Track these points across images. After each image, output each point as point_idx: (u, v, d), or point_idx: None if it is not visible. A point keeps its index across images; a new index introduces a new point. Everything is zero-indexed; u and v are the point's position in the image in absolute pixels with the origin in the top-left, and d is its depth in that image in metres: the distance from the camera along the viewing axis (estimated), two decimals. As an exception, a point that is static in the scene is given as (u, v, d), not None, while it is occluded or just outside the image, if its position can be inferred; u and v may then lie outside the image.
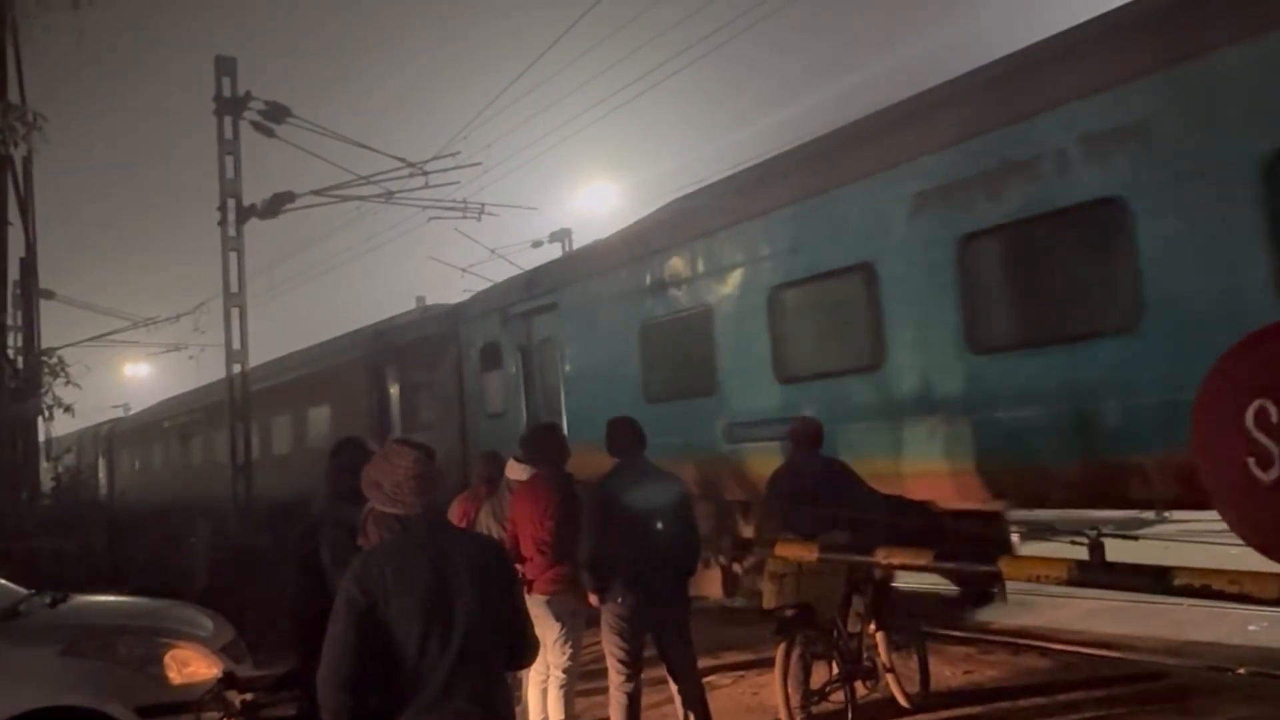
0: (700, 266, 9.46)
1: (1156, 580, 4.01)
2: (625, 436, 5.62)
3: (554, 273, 12.38)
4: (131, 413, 33.28)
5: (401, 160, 16.70)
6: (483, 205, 18.24)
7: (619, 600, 5.33)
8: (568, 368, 11.37)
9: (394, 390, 15.73)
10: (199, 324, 22.89)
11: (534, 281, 12.58)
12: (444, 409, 14.44)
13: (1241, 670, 6.38)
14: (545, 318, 11.88)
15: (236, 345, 15.68)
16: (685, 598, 5.55)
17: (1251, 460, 3.53)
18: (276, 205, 16.01)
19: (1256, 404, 3.51)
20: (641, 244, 10.39)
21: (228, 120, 15.31)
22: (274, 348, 22.49)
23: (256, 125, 15.43)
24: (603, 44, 16.50)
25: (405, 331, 16.09)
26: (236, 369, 15.81)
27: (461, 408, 13.91)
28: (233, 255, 15.53)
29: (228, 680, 4.37)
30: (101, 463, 32.31)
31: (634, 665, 5.39)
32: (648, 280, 10.09)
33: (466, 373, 13.88)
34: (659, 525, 5.33)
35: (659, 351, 9.89)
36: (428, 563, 3.01)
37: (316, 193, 16.64)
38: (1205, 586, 3.86)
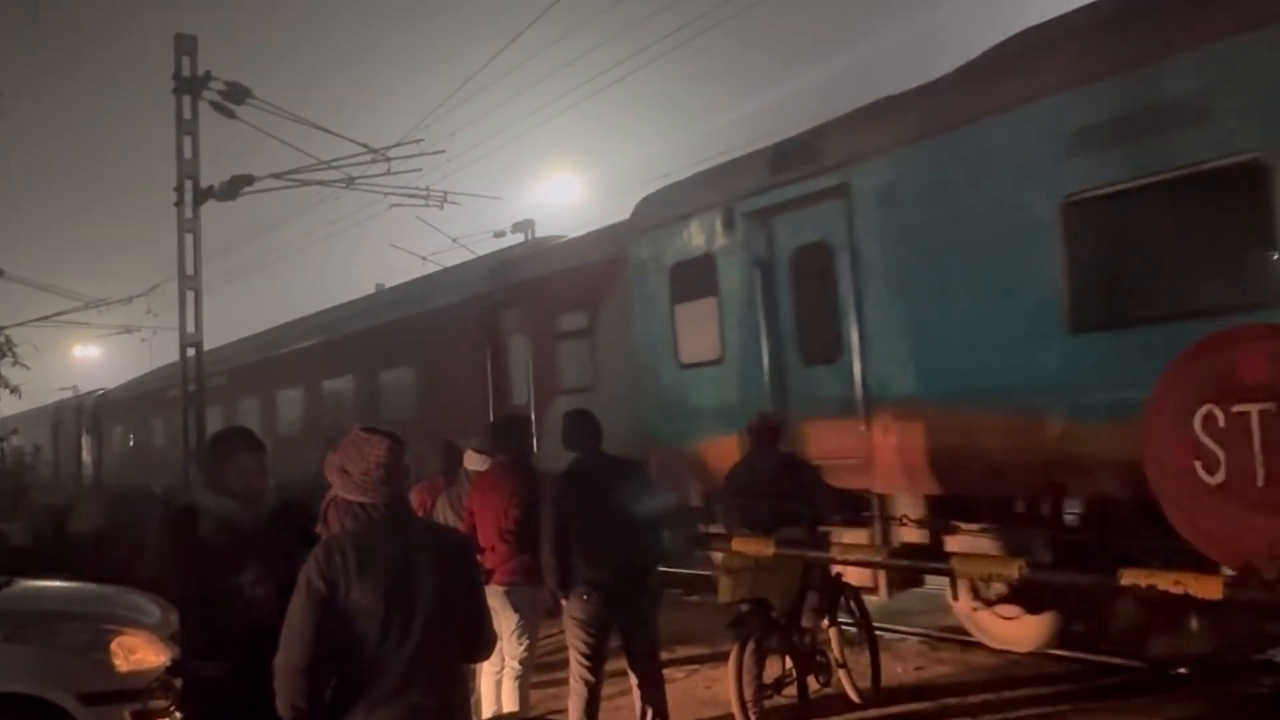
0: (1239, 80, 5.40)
1: (1103, 580, 4.09)
2: (582, 430, 5.52)
3: (842, 137, 7.79)
4: (123, 382, 29.05)
5: (364, 146, 16.50)
6: (445, 193, 18.09)
7: (582, 596, 5.28)
8: (869, 284, 7.34)
9: (520, 343, 12.18)
10: (151, 306, 22.49)
11: (791, 158, 8.23)
12: (604, 363, 10.68)
13: (1182, 669, 6.52)
14: (817, 211, 7.83)
15: (191, 329, 15.42)
16: (651, 592, 5.48)
17: (1199, 464, 3.62)
18: (235, 188, 15.74)
19: (1204, 410, 3.60)
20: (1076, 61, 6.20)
21: (186, 100, 15.04)
22: (229, 333, 21.94)
23: (216, 106, 15.16)
24: (570, 35, 16.48)
25: (536, 262, 12.55)
26: (191, 353, 15.55)
27: (636, 358, 9.77)
28: (189, 237, 15.27)
29: (175, 668, 4.31)
30: (86, 439, 29.64)
31: (596, 659, 5.34)
32: (1086, 122, 5.99)
33: (643, 309, 9.59)
34: (624, 520, 5.24)
35: (1112, 245, 6.00)
36: (391, 553, 2.99)
37: (276, 176, 16.40)
38: (1151, 587, 3.93)
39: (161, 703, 4.28)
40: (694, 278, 8.93)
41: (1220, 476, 3.58)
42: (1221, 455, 3.58)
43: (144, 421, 24.69)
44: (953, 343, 6.71)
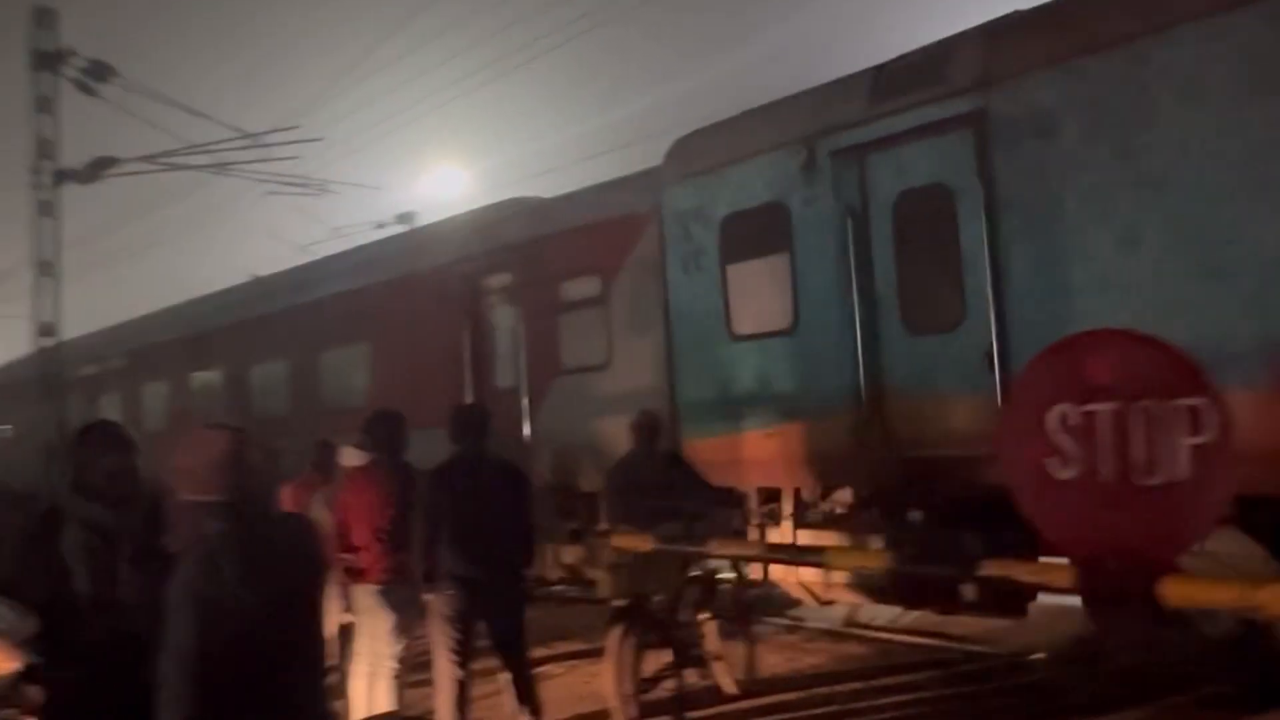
0: None
1: (965, 569, 4.28)
2: (467, 422, 5.51)
3: (977, 52, 6.41)
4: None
5: (238, 130, 15.97)
6: (324, 182, 17.65)
7: (448, 591, 5.26)
8: (1014, 235, 6.02)
9: (509, 315, 10.18)
10: (1, 293, 21.23)
11: (899, 81, 6.74)
12: (619, 338, 8.93)
13: (1039, 655, 6.86)
14: (935, 145, 6.42)
15: (48, 317, 14.63)
16: (519, 591, 5.50)
17: (1051, 461, 3.80)
18: (97, 170, 15.03)
19: (1057, 409, 3.79)
20: None
21: (45, 76, 14.26)
22: (92, 322, 20.81)
23: (78, 83, 14.44)
24: (453, 27, 16.24)
25: (531, 222, 10.41)
26: (49, 343, 14.75)
27: (668, 329, 8.21)
28: (46, 221, 14.48)
29: (29, 674, 4.08)
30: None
31: (461, 654, 5.33)
32: None
33: (679, 271, 8.07)
34: (495, 518, 5.26)
35: None
36: (260, 550, 2.91)
37: (143, 159, 15.71)
38: (1009, 576, 4.13)
39: (12, 712, 4.05)
40: (756, 231, 7.43)
41: (1071, 472, 3.77)
42: (1072, 452, 3.78)
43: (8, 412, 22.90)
44: (1151, 303, 5.48)
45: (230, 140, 15.98)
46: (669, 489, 6.40)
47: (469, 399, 9.77)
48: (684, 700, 5.73)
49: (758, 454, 7.22)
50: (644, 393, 8.16)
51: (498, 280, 10.25)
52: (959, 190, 6.27)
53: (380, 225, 19.27)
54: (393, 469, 5.68)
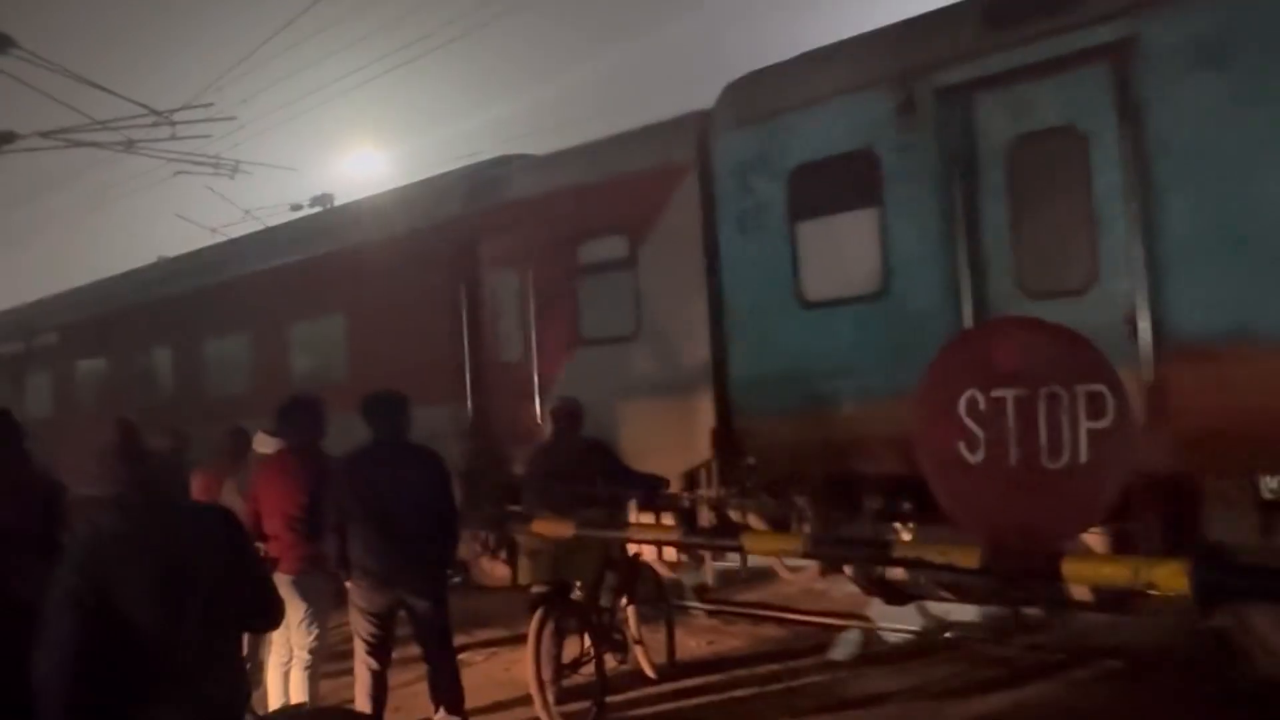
0: None
1: (877, 552, 4.38)
2: (382, 408, 5.38)
3: None
4: None
5: (145, 107, 15.39)
6: (237, 162, 17.12)
7: (362, 582, 5.17)
8: (1171, 184, 5.25)
9: (514, 281, 9.05)
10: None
11: (1022, 8, 5.92)
12: (650, 305, 7.93)
13: (948, 634, 7.07)
14: (1065, 81, 5.64)
15: (-61, 299, 13.95)
16: (438, 583, 5.35)
17: (962, 444, 3.92)
18: (-6, 145, 14.38)
19: (967, 394, 3.90)
20: None
21: (-65, 46, 13.56)
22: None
23: (-29, 55, 13.76)
24: (368, 6, 15.92)
25: (542, 175, 9.23)
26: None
27: (714, 296, 7.39)
28: (-62, 199, 13.80)
29: None
30: None
31: (377, 644, 5.25)
32: None
33: (734, 229, 7.15)
34: (409, 507, 5.13)
35: None
36: (152, 541, 2.83)
37: (44, 135, 15.06)
38: (919, 558, 4.25)
39: None
40: (836, 183, 6.57)
41: (980, 456, 3.89)
42: (981, 436, 3.90)
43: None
44: None
45: (138, 117, 15.41)
46: (590, 475, 6.40)
47: (467, 374, 9.22)
48: (604, 685, 5.75)
49: (834, 434, 6.43)
50: (680, 365, 7.58)
51: (500, 242, 9.10)
52: (1094, 133, 5.48)
53: (296, 207, 18.80)
54: (305, 456, 5.57)
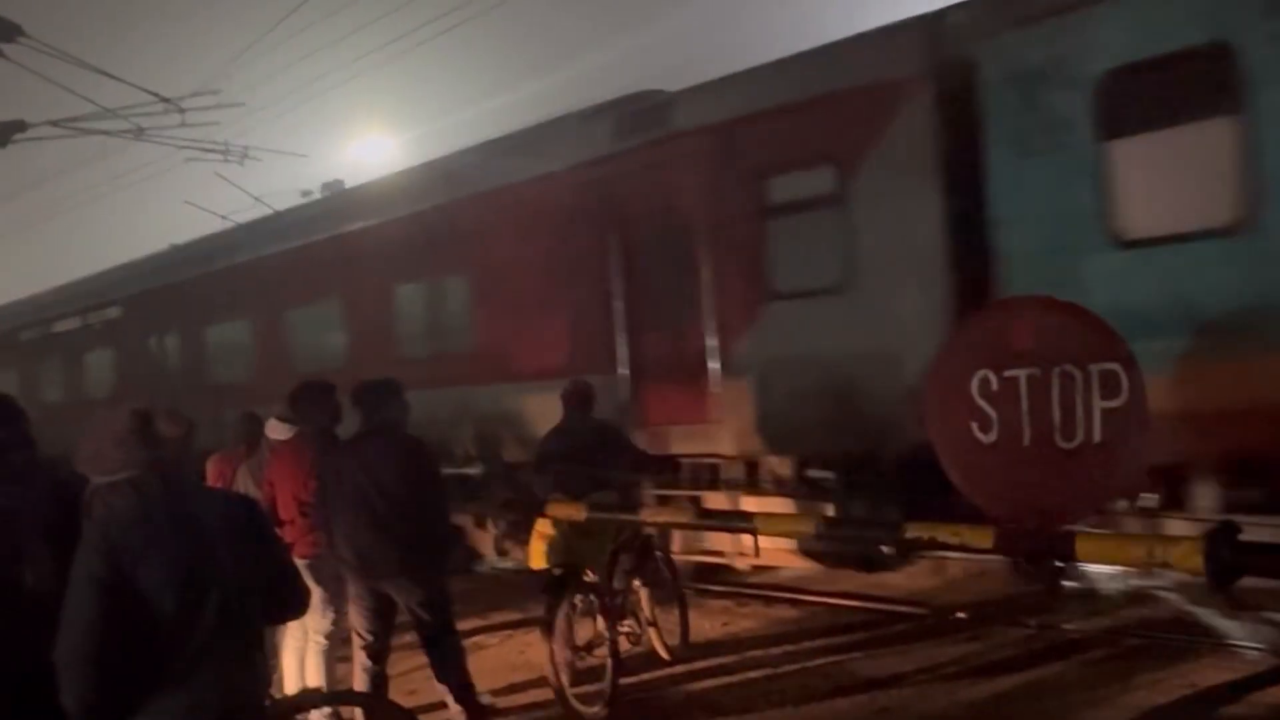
0: None
1: (890, 533, 4.37)
2: (372, 398, 5.32)
3: None
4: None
5: (154, 94, 15.40)
6: (246, 149, 17.14)
7: (344, 569, 5.17)
8: None
9: (684, 227, 7.77)
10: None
11: None
12: (875, 249, 6.70)
13: (962, 614, 7.07)
14: None
15: (-46, 289, 14.02)
16: (424, 570, 5.22)
17: (974, 424, 3.90)
18: (4, 134, 14.42)
19: (980, 374, 3.88)
20: None
21: (-56, 35, 13.58)
22: (3, 293, 19.84)
23: (-19, 44, 13.78)
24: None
25: (726, 98, 7.72)
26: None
27: (974, 236, 6.20)
28: (-50, 188, 13.85)
29: None
30: None
31: (374, 634, 5.22)
32: None
33: (1010, 152, 6.05)
34: (389, 498, 5.06)
35: None
36: (173, 525, 2.84)
37: (54, 123, 15.09)
38: (932, 539, 4.23)
39: None
40: (1171, 89, 5.47)
41: (993, 436, 3.87)
42: (994, 416, 3.88)
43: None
44: None
45: (147, 105, 15.43)
46: (602, 458, 6.41)
47: (622, 339, 8.06)
48: (619, 666, 5.77)
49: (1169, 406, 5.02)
50: (909, 324, 6.37)
51: (664, 182, 7.81)
52: None
53: (306, 193, 18.84)
54: (318, 441, 5.58)
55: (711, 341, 7.50)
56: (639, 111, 8.39)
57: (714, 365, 7.51)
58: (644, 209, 7.97)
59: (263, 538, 3.15)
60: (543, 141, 9.33)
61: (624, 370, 8.11)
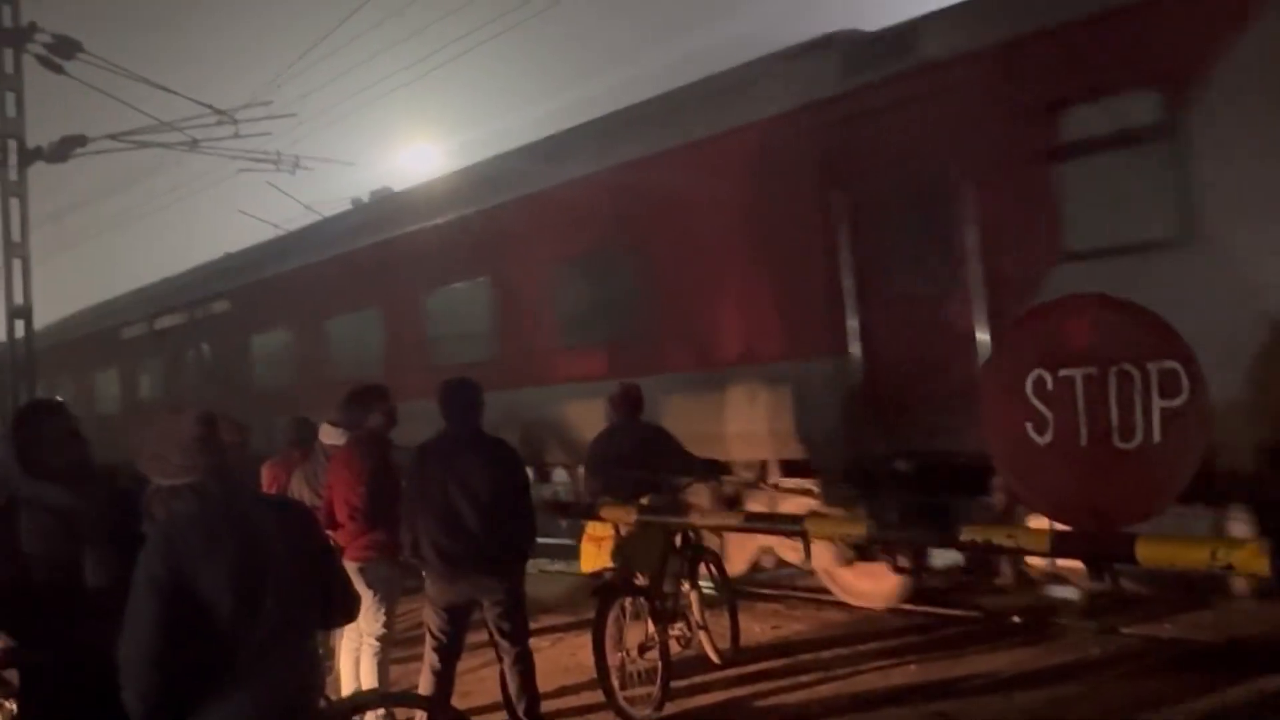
0: None
1: (944, 535, 4.32)
2: (457, 400, 5.31)
3: None
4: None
5: (208, 107, 15.75)
6: (297, 158, 17.45)
7: (432, 575, 5.15)
8: None
9: (931, 179, 6.53)
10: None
11: None
12: (1233, 191, 5.39)
13: (1016, 618, 6.96)
14: None
15: (19, 300, 14.43)
16: (511, 577, 5.22)
17: (1029, 425, 3.85)
18: (66, 149, 14.78)
19: (1035, 374, 3.83)
20: None
21: (8, 53, 13.99)
22: (64, 304, 20.37)
23: (42, 60, 14.17)
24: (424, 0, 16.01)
25: (985, 20, 6.47)
26: (19, 327, 14.55)
27: None
28: (14, 201, 14.25)
29: (7, 657, 4.07)
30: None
31: (448, 639, 5.20)
32: None
33: None
34: (481, 500, 5.05)
35: None
36: (231, 530, 2.90)
37: (112, 137, 15.48)
38: (987, 541, 4.19)
39: None
40: None
41: (1048, 437, 3.82)
42: (1050, 417, 3.83)
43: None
44: None
45: (201, 117, 15.78)
46: (652, 461, 6.41)
47: (852, 313, 6.87)
48: (668, 670, 5.77)
49: None
50: None
51: (907, 125, 6.55)
52: None
53: (355, 201, 19.13)
54: (370, 445, 5.65)
55: (979, 315, 6.17)
56: (876, 42, 7.05)
57: (982, 338, 6.15)
58: (883, 158, 6.71)
59: (317, 544, 3.21)
60: (733, 91, 7.96)
61: (855, 350, 6.88)
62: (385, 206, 12.60)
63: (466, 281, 10.02)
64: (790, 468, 7.48)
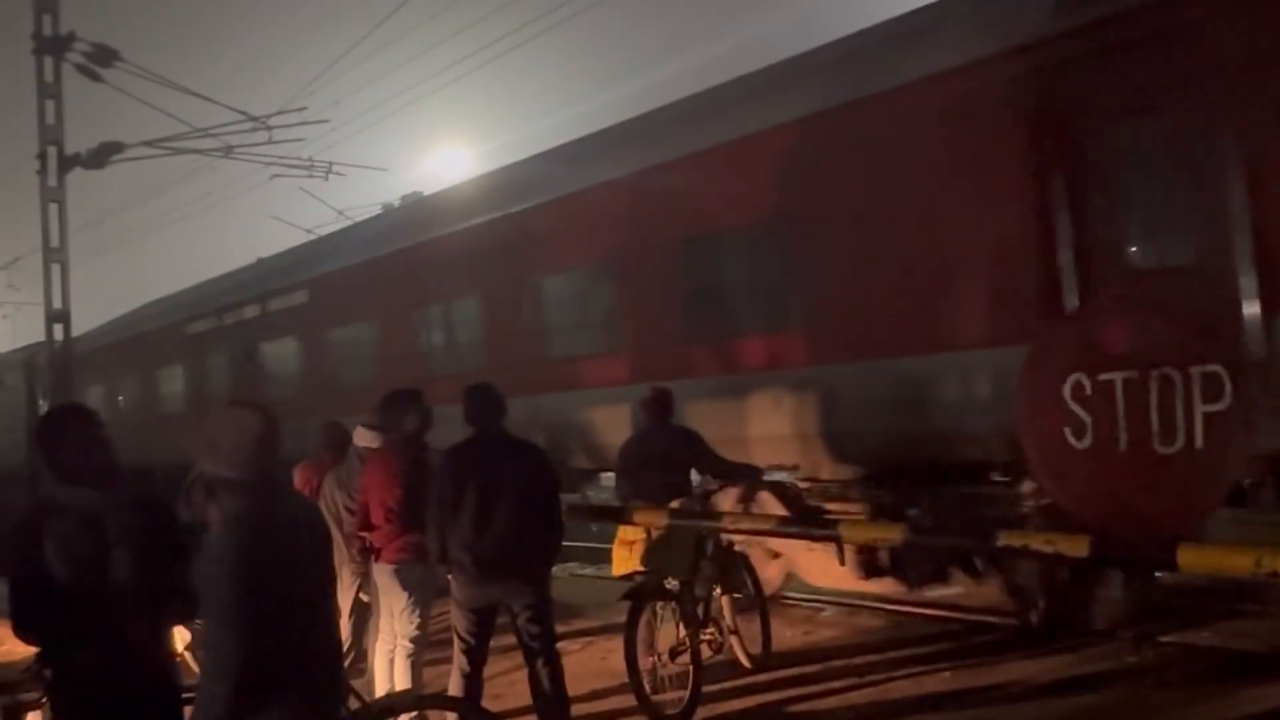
0: None
1: (982, 541, 4.28)
2: (483, 404, 5.34)
3: None
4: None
5: (243, 113, 15.93)
6: (330, 164, 17.61)
7: (460, 578, 5.15)
8: None
9: (1200, 123, 5.49)
10: (13, 281, 21.27)
11: None
12: None
13: (1052, 625, 6.87)
14: None
15: (57, 304, 14.65)
16: (538, 581, 5.23)
17: (1068, 430, 3.81)
18: (103, 155, 15.03)
19: (1073, 378, 3.79)
20: None
21: (48, 61, 14.23)
22: (101, 309, 20.70)
23: (81, 69, 14.41)
24: (456, 5, 16.13)
25: None
26: (58, 330, 14.79)
27: None
28: (53, 207, 14.49)
29: (44, 657, 4.11)
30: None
31: (475, 641, 5.21)
32: None
33: None
34: (510, 503, 5.07)
35: None
36: (286, 528, 2.99)
37: (148, 144, 15.70)
38: (1025, 546, 4.14)
39: (33, 694, 4.10)
40: None
41: (1087, 441, 3.77)
42: (1088, 421, 3.78)
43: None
44: None
45: (235, 123, 15.96)
46: (683, 464, 6.40)
47: (1070, 287, 5.91)
48: (700, 674, 5.75)
49: None
50: None
51: (1161, 62, 5.55)
52: None
53: (387, 206, 19.30)
54: (405, 448, 5.68)
55: (1247, 295, 5.25)
56: None
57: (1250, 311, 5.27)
58: (1112, 105, 5.79)
59: (330, 548, 3.34)
60: (915, 36, 6.99)
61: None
62: (496, 180, 11.20)
63: (589, 266, 8.89)
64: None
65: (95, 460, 3.45)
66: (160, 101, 15.42)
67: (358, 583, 6.15)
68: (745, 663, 6.48)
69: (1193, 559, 3.56)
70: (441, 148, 25.55)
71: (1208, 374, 3.52)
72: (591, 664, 6.91)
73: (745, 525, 5.88)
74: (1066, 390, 3.81)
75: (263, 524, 2.92)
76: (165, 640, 3.50)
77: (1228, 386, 3.49)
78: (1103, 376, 3.74)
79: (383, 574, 5.62)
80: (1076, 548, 3.92)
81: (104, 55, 14.47)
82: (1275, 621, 6.14)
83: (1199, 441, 3.53)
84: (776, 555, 7.76)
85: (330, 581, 3.18)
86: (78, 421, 3.54)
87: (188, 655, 4.65)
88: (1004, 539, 4.14)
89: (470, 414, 5.33)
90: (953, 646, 6.67)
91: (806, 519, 6.98)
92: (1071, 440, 3.80)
